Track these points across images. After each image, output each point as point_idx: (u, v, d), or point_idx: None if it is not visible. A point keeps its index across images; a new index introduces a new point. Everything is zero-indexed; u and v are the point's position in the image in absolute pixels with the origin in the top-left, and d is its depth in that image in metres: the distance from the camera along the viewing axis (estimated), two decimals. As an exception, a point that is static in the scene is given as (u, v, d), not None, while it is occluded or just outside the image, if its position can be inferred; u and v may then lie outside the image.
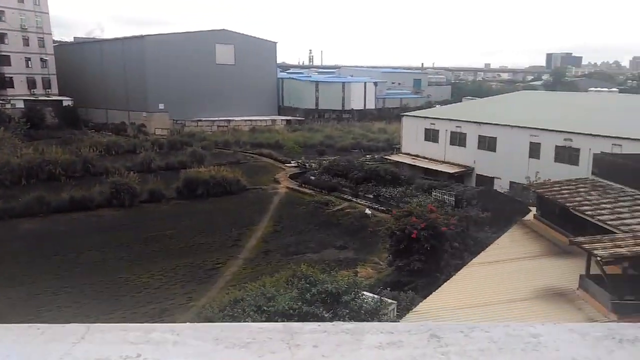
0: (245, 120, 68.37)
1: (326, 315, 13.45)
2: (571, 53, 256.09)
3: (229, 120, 67.72)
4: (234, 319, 14.87)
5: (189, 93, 67.62)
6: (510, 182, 33.87)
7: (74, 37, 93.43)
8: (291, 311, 13.17)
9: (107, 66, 72.53)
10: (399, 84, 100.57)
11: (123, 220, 30.10)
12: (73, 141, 49.69)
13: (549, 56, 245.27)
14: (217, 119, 67.78)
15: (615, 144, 29.15)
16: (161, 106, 66.59)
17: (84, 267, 23.06)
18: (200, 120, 67.09)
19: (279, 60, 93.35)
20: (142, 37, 69.27)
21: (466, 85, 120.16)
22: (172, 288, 21.05)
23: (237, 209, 32.50)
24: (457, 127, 40.27)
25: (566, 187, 22.88)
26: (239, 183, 36.84)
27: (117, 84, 70.66)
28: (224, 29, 74.31)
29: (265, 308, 13.55)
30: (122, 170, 36.32)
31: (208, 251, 25.36)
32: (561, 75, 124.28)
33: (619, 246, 12.61)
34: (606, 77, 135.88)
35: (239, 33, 75.37)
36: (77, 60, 77.06)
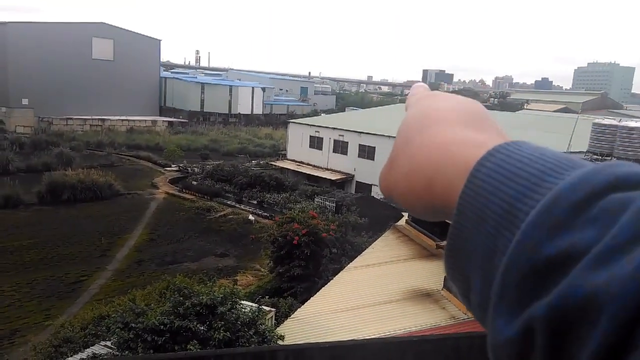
0: (123, 120, 64.21)
1: (201, 328, 12.80)
2: (444, 70, 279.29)
3: (104, 120, 63.10)
4: (97, 337, 13.63)
5: (58, 88, 61.95)
6: (388, 189, 35.52)
7: None
8: (162, 327, 12.33)
9: (-41, 53, 63.88)
10: (287, 90, 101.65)
11: (-31, 229, 26.40)
12: None
13: (425, 72, 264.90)
14: (90, 117, 62.80)
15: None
16: (25, 101, 60.18)
17: None
18: (71, 119, 61.68)
19: (164, 58, 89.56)
20: (3, 23, 62.06)
21: (350, 96, 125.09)
22: (26, 305, 18.76)
23: (108, 216, 30.13)
24: (340, 135, 41.47)
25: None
26: (111, 187, 34.28)
27: (-30, 74, 62.49)
28: (102, 22, 69.43)
29: (133, 325, 12.53)
30: (-28, 172, 32.03)
31: (72, 263, 23.10)
32: (435, 90, 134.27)
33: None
34: (473, 93, 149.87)
35: (119, 27, 70.90)
36: None
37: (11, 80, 59.92)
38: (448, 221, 0.46)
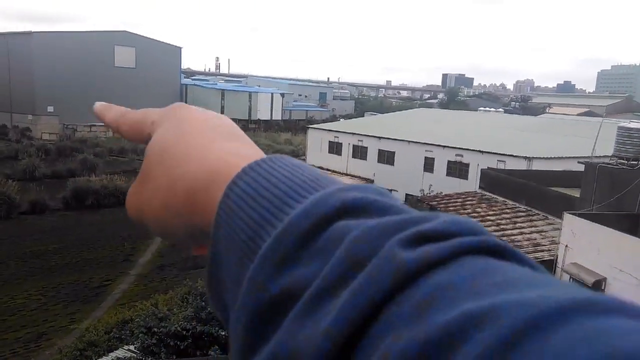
0: (145, 127, 65.18)
1: (222, 333, 12.91)
2: (464, 74, 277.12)
3: (127, 127, 64.13)
4: (121, 342, 13.83)
5: (82, 96, 63.10)
6: (406, 194, 35.39)
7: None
8: (184, 332, 12.47)
9: (-13, 63, 65.76)
10: (305, 96, 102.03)
11: (-2, 234, 27.07)
12: (-59, 144, 44.21)
13: (445, 76, 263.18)
14: (113, 124, 63.89)
15: (499, 160, 31.60)
16: (50, 109, 61.55)
17: (-55, 288, 20.31)
18: (94, 125, 62.85)
19: (184, 65, 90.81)
20: (30, 33, 63.70)
21: (368, 101, 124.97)
22: (52, 309, 19.14)
23: (131, 221, 30.51)
24: (359, 140, 41.45)
25: (455, 200, 24.34)
26: (134, 193, 34.75)
27: (-2, 83, 64.25)
28: (124, 31, 70.77)
29: (156, 329, 12.70)
30: (0, 179, 32.82)
31: (96, 267, 23.51)
32: (454, 94, 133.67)
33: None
34: (493, 98, 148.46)
35: (141, 35, 72.16)
36: (-50, 54, 69.06)
37: (37, 88, 61.41)
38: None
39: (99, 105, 0.63)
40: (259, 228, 0.36)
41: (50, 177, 38.58)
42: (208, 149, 0.45)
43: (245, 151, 0.45)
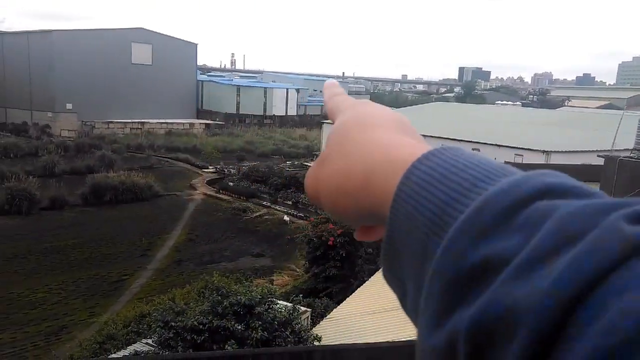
0: (161, 123, 65.80)
1: (238, 327, 12.99)
2: (481, 68, 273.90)
3: (143, 123, 64.81)
4: (139, 335, 14.00)
5: (100, 93, 64.02)
6: (424, 189, 35.13)
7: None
8: (201, 326, 12.57)
9: (9, 62, 66.90)
10: (320, 91, 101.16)
11: (19, 229, 27.57)
12: (-36, 142, 45.14)
13: (461, 70, 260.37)
14: (130, 121, 64.63)
15: (517, 154, 31.21)
16: (69, 106, 62.42)
17: (-31, 282, 20.77)
18: (112, 122, 63.65)
19: (200, 62, 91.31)
20: (49, 31, 64.65)
21: (384, 95, 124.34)
22: (72, 303, 19.46)
23: (148, 217, 30.94)
24: (374, 135, 41.24)
25: (474, 195, 24.02)
26: (151, 189, 35.14)
27: (19, 81, 65.31)
28: (141, 28, 71.33)
29: (173, 323, 12.83)
30: (21, 175, 33.40)
31: (115, 262, 23.82)
32: (471, 88, 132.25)
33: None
34: (511, 91, 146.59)
35: (157, 32, 72.69)
36: (-28, 53, 70.40)
37: (56, 86, 62.30)
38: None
39: (329, 82, 0.72)
40: (446, 206, 0.39)
41: (70, 174, 39.16)
42: (386, 138, 0.50)
43: (419, 143, 0.49)
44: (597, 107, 77.54)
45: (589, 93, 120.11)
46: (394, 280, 0.45)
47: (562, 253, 0.32)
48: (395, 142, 0.49)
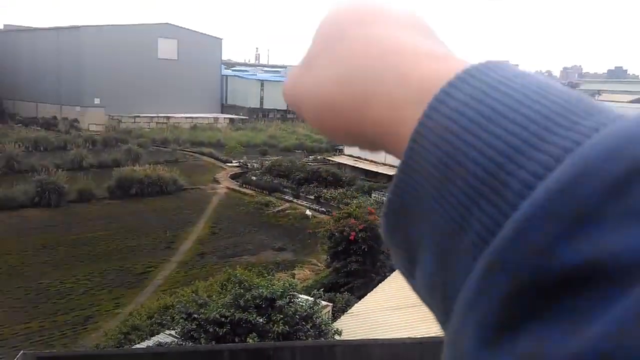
0: (186, 118, 66.54)
1: (260, 320, 13.06)
2: (507, 60, 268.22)
3: (169, 117, 65.65)
4: (162, 326, 14.20)
5: (127, 88, 65.03)
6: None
7: (4, 25, 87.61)
8: (223, 319, 12.68)
9: (40, 57, 68.48)
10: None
11: (48, 221, 28.28)
12: (-4, 136, 46.43)
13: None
14: (156, 115, 65.53)
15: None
16: (97, 101, 63.63)
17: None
18: (138, 117, 64.62)
19: (225, 57, 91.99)
20: (78, 27, 65.92)
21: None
22: (98, 294, 19.89)
23: (172, 210, 31.36)
24: (398, 129, 40.89)
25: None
26: (176, 183, 35.60)
27: (49, 76, 66.82)
28: (167, 23, 72.14)
29: (196, 315, 12.97)
30: (51, 168, 34.22)
31: (140, 254, 24.24)
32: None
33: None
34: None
35: (183, 27, 73.42)
36: (6, 49, 72.27)
37: (85, 81, 63.54)
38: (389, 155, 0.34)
39: None
40: (506, 161, 0.25)
41: (97, 167, 39.95)
42: (395, 43, 0.34)
43: (444, 51, 0.34)
44: (630, 102, 75.36)
45: (621, 87, 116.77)
46: (399, 243, 0.32)
47: None
48: (409, 48, 0.34)
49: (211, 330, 12.13)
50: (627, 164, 0.22)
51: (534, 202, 0.23)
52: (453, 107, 0.28)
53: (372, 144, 0.35)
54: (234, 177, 40.61)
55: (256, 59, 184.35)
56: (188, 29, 73.80)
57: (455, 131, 0.27)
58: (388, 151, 0.33)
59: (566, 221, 0.23)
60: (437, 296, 0.29)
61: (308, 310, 13.93)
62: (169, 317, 14.08)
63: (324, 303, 15.44)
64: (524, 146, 0.25)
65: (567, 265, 0.22)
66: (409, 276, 0.33)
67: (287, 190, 35.81)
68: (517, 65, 0.30)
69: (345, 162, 43.05)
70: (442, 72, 0.30)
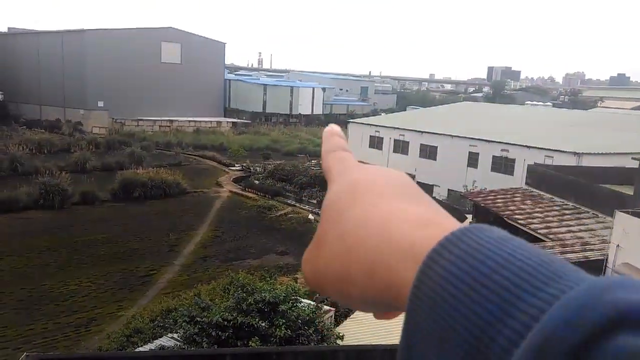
0: (189, 121, 66.73)
1: (262, 324, 13.09)
2: (511, 67, 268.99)
3: (172, 121, 65.84)
4: (165, 330, 14.24)
5: (130, 91, 65.25)
6: (449, 189, 34.77)
7: (8, 28, 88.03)
8: (225, 323, 12.71)
9: (44, 60, 68.77)
10: (347, 90, 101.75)
11: (51, 223, 28.37)
12: (0, 138, 46.61)
13: (490, 69, 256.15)
14: (159, 118, 65.74)
15: (547, 156, 30.54)
16: (100, 104, 63.85)
17: (2, 274, 21.46)
18: (141, 120, 64.84)
19: (228, 61, 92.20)
20: (82, 30, 66.23)
21: (411, 95, 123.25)
22: (101, 296, 19.93)
23: (175, 213, 31.44)
24: (400, 135, 40.99)
25: (501, 196, 23.67)
26: (179, 186, 35.70)
27: (53, 79, 67.12)
28: (170, 27, 72.39)
29: (198, 319, 13.01)
30: (54, 170, 34.34)
31: (142, 257, 24.28)
32: (501, 88, 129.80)
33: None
34: (541, 91, 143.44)
35: (186, 32, 73.69)
36: (10, 52, 72.63)
37: (89, 83, 63.79)
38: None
39: (328, 129, 0.60)
40: (486, 326, 0.30)
41: (100, 170, 40.05)
42: (387, 214, 0.41)
43: (430, 215, 0.40)
44: (632, 108, 75.27)
45: (623, 93, 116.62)
46: None
47: None
48: (396, 217, 0.40)
49: (214, 334, 12.17)
50: (583, 335, 0.26)
51: None
52: (439, 274, 0.33)
53: (389, 307, 0.40)
54: (236, 180, 40.70)
55: (259, 64, 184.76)
56: (192, 33, 74.08)
57: (443, 297, 0.32)
58: (404, 311, 0.36)
59: None
60: None
61: (310, 315, 13.97)
62: (171, 321, 14.10)
63: (326, 308, 15.47)
64: (500, 314, 0.29)
65: None
66: None
67: (290, 194, 35.88)
68: (498, 228, 0.34)
69: (347, 167, 43.09)
70: (427, 235, 0.36)
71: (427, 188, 36.77)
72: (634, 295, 0.27)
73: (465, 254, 0.32)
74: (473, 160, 35.08)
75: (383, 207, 0.41)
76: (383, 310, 0.42)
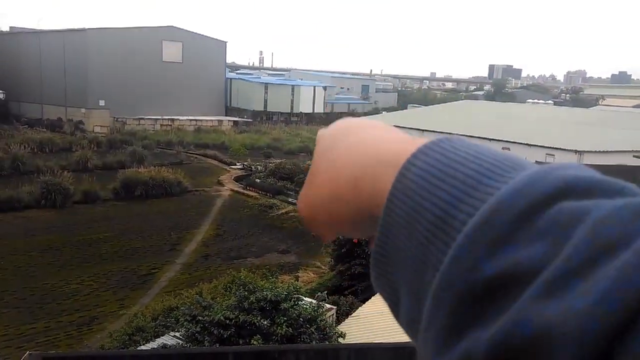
0: (191, 120, 66.73)
1: (264, 323, 13.11)
2: (512, 65, 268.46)
3: (173, 120, 65.86)
4: (167, 328, 14.27)
5: (132, 90, 65.28)
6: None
7: (10, 27, 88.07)
8: (227, 321, 12.73)
9: (45, 59, 68.78)
10: (348, 89, 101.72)
11: (53, 222, 28.43)
12: (2, 137, 46.66)
13: (491, 67, 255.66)
14: (160, 117, 65.74)
15: (548, 154, 30.54)
16: (102, 103, 63.89)
17: (4, 273, 21.51)
18: (143, 119, 64.85)
19: (229, 60, 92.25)
20: (84, 30, 66.24)
21: (412, 93, 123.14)
22: (103, 295, 19.97)
23: (177, 212, 31.48)
24: (402, 133, 41.00)
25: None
26: (180, 185, 35.72)
27: (55, 78, 67.14)
28: (172, 26, 72.39)
29: (200, 318, 13.03)
30: (56, 169, 34.38)
31: (144, 256, 24.33)
32: (502, 86, 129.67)
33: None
34: (542, 89, 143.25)
35: (187, 31, 73.69)
36: (12, 51, 72.66)
37: (90, 82, 63.82)
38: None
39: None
40: (449, 207, 0.35)
41: (102, 168, 40.06)
42: (374, 136, 0.45)
43: (409, 138, 0.44)
44: (633, 106, 75.17)
45: (624, 92, 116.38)
46: (385, 288, 0.40)
47: (600, 265, 0.27)
48: (384, 138, 0.45)
49: (215, 332, 12.19)
50: (530, 199, 0.32)
51: (465, 234, 0.32)
52: (414, 172, 0.38)
53: (376, 222, 0.41)
54: (238, 179, 40.71)
55: (260, 62, 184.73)
56: (193, 32, 74.08)
57: (415, 190, 0.37)
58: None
59: (486, 245, 0.31)
60: (415, 330, 0.36)
61: (312, 313, 13.98)
62: (173, 319, 14.13)
63: (328, 306, 15.49)
64: (462, 195, 0.35)
65: (488, 276, 0.31)
66: (396, 317, 0.40)
67: (291, 192, 35.85)
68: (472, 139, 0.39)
69: (349, 165, 43.11)
70: (409, 150, 0.39)
71: (429, 186, 36.80)
72: (582, 173, 0.33)
73: (440, 154, 0.37)
74: (474, 158, 35.08)
75: (372, 134, 0.46)
76: (373, 232, 0.43)
